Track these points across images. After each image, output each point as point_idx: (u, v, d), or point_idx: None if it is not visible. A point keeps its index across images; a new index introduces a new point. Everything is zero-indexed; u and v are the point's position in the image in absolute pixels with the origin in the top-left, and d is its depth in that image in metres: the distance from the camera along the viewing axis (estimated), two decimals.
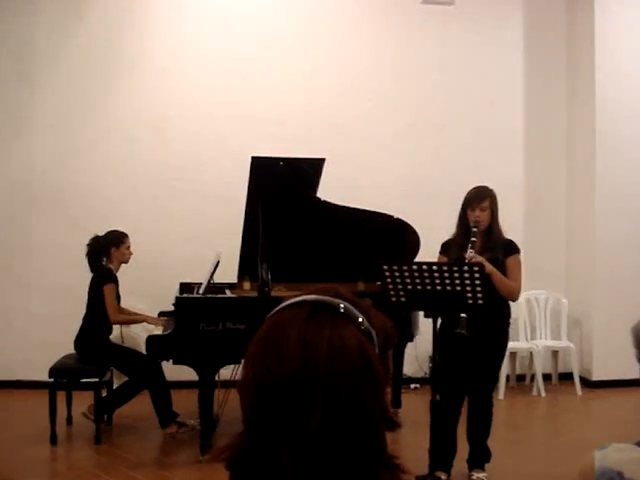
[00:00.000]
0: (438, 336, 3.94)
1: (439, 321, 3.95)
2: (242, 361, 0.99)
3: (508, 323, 4.45)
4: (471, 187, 4.46)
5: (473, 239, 4.19)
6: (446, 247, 4.44)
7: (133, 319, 5.63)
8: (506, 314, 4.40)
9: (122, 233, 5.48)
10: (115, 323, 5.41)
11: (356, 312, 0.97)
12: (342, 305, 0.96)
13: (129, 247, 5.50)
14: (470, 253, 4.11)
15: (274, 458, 0.90)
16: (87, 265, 5.40)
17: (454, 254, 4.29)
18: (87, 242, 5.40)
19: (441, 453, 4.27)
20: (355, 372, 0.91)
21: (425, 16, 7.21)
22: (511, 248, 4.38)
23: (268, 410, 0.91)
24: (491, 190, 4.40)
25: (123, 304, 5.63)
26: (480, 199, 4.30)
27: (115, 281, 5.37)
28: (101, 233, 5.49)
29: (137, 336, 6.13)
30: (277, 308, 0.99)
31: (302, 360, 0.91)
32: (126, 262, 5.51)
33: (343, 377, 0.91)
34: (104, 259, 5.40)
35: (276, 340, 0.94)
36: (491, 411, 4.43)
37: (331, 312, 0.95)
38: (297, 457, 0.89)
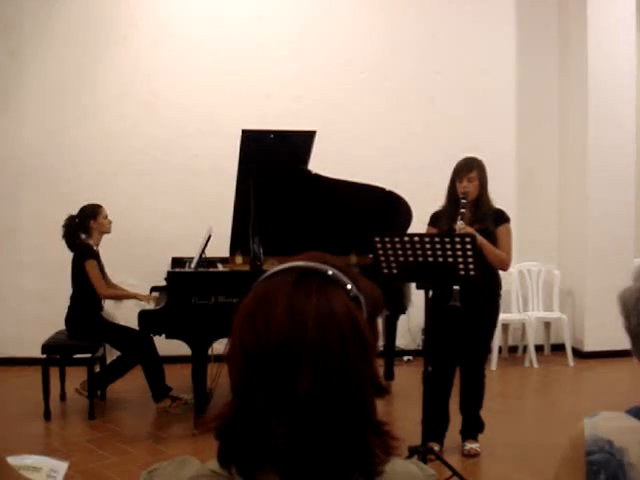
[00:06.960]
0: (430, 308, 3.93)
1: (431, 293, 3.93)
2: None
3: (499, 294, 4.45)
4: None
5: (462, 210, 4.19)
6: (435, 218, 4.44)
7: (124, 294, 5.58)
8: (497, 285, 4.40)
9: (95, 205, 5.36)
10: (105, 297, 5.36)
11: (344, 278, 0.95)
12: (330, 271, 0.95)
13: (107, 216, 5.38)
14: (460, 224, 4.11)
15: (263, 425, 0.89)
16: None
17: (444, 225, 4.29)
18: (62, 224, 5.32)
19: (434, 424, 4.30)
20: (343, 338, 0.90)
21: None
22: (501, 217, 4.37)
23: (257, 377, 0.91)
24: (480, 161, 4.38)
25: (115, 280, 5.59)
26: (468, 169, 4.29)
27: (95, 256, 5.30)
28: None
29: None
30: (264, 275, 0.98)
31: (290, 326, 0.90)
32: (107, 232, 5.40)
33: (331, 342, 0.90)
34: (83, 235, 5.33)
35: (263, 307, 0.93)
36: (483, 382, 4.45)
37: (319, 278, 0.94)
38: (286, 423, 0.89)
